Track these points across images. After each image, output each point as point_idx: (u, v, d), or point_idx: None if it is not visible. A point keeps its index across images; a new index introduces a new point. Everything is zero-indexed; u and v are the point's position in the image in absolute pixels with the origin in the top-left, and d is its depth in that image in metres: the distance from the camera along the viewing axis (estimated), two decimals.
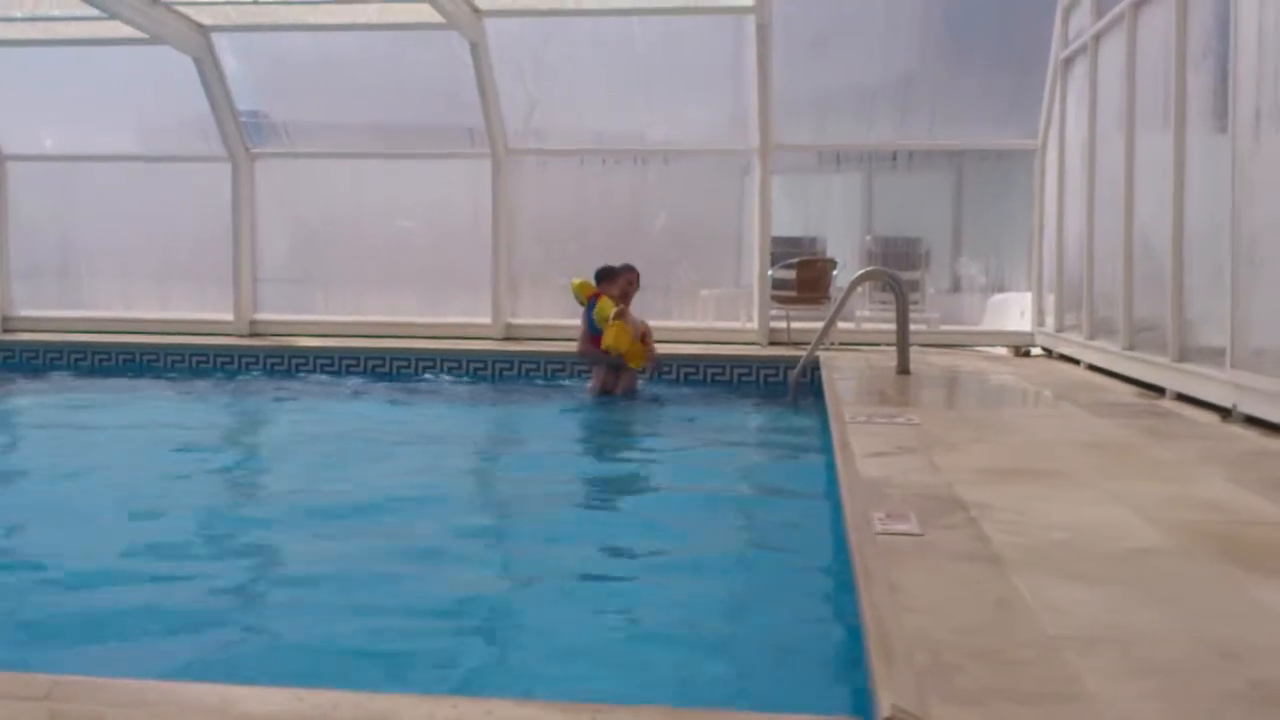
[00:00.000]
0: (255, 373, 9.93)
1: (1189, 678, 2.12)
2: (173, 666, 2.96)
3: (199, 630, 3.34)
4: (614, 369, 8.34)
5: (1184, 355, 6.50)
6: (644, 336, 8.38)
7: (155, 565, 4.02)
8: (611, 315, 8.14)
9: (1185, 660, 2.21)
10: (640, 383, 8.56)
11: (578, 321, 8.67)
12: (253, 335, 11.16)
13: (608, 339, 8.15)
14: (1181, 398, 6.39)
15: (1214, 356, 5.91)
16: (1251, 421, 5.40)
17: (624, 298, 8.38)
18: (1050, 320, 9.94)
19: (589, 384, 8.58)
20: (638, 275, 8.49)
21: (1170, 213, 6.57)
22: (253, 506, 5.29)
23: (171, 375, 9.84)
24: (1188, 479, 4.15)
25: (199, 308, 11.70)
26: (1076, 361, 8.82)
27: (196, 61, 10.69)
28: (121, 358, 10.25)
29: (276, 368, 9.99)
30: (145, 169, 11.98)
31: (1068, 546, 3.09)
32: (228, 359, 10.15)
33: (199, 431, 7.44)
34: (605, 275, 8.48)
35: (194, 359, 10.17)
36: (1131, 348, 7.46)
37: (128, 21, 9.75)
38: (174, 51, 10.47)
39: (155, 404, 8.50)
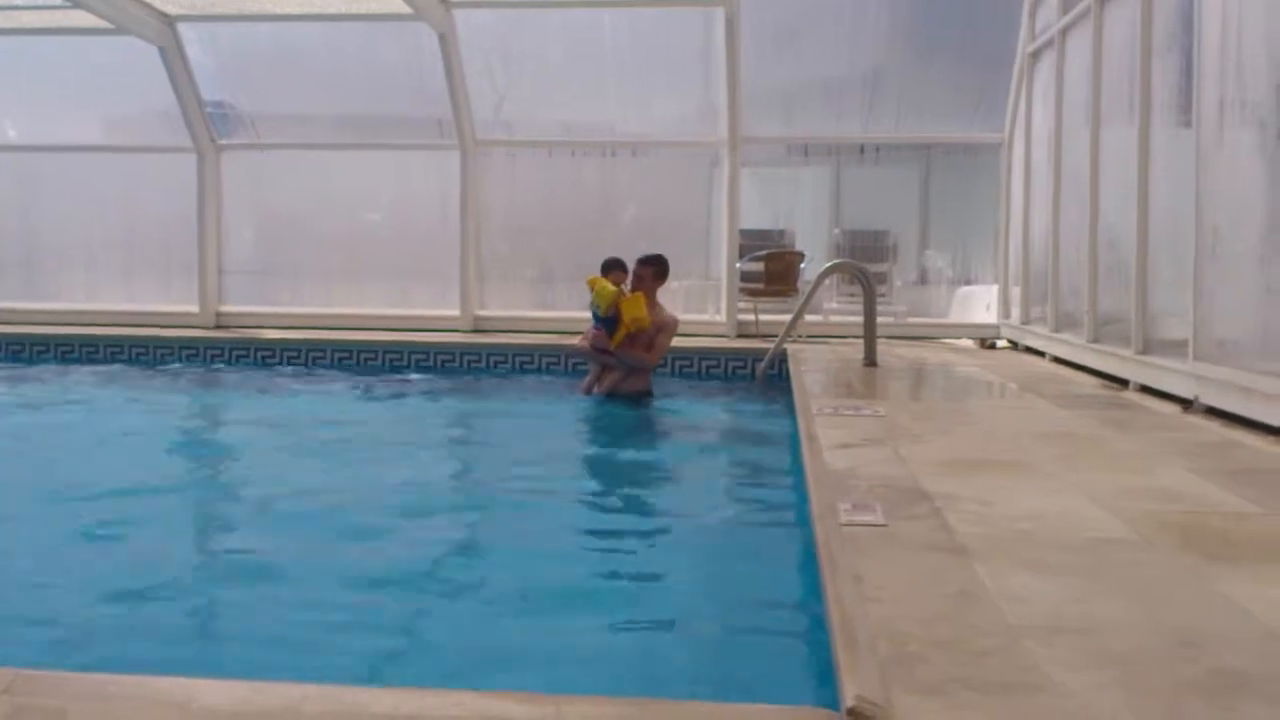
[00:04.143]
0: (221, 365, 9.87)
1: (1149, 667, 2.15)
2: (136, 660, 2.93)
3: (161, 623, 3.32)
4: (606, 368, 8.05)
5: (1147, 348, 6.57)
6: (657, 332, 7.83)
7: (114, 558, 3.99)
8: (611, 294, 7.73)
9: (1146, 650, 2.24)
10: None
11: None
12: (218, 327, 11.09)
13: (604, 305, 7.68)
14: (1145, 390, 6.46)
15: (1177, 349, 5.98)
16: (1213, 413, 5.47)
17: (643, 288, 7.99)
18: (1016, 313, 10.01)
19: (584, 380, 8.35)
20: (626, 270, 7.93)
21: (1135, 206, 6.63)
22: (215, 501, 5.24)
23: (136, 367, 9.76)
24: (1150, 470, 4.19)
25: (164, 300, 11.62)
26: (1041, 354, 8.89)
27: (162, 51, 10.60)
28: (85, 350, 10.16)
29: (242, 360, 9.94)
30: (110, 160, 11.87)
31: (1031, 537, 3.11)
32: (193, 351, 10.07)
33: (161, 424, 7.37)
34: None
35: (159, 351, 10.08)
36: (1096, 340, 7.53)
37: (92, 11, 9.64)
38: (139, 41, 10.38)
39: (118, 397, 8.42)
